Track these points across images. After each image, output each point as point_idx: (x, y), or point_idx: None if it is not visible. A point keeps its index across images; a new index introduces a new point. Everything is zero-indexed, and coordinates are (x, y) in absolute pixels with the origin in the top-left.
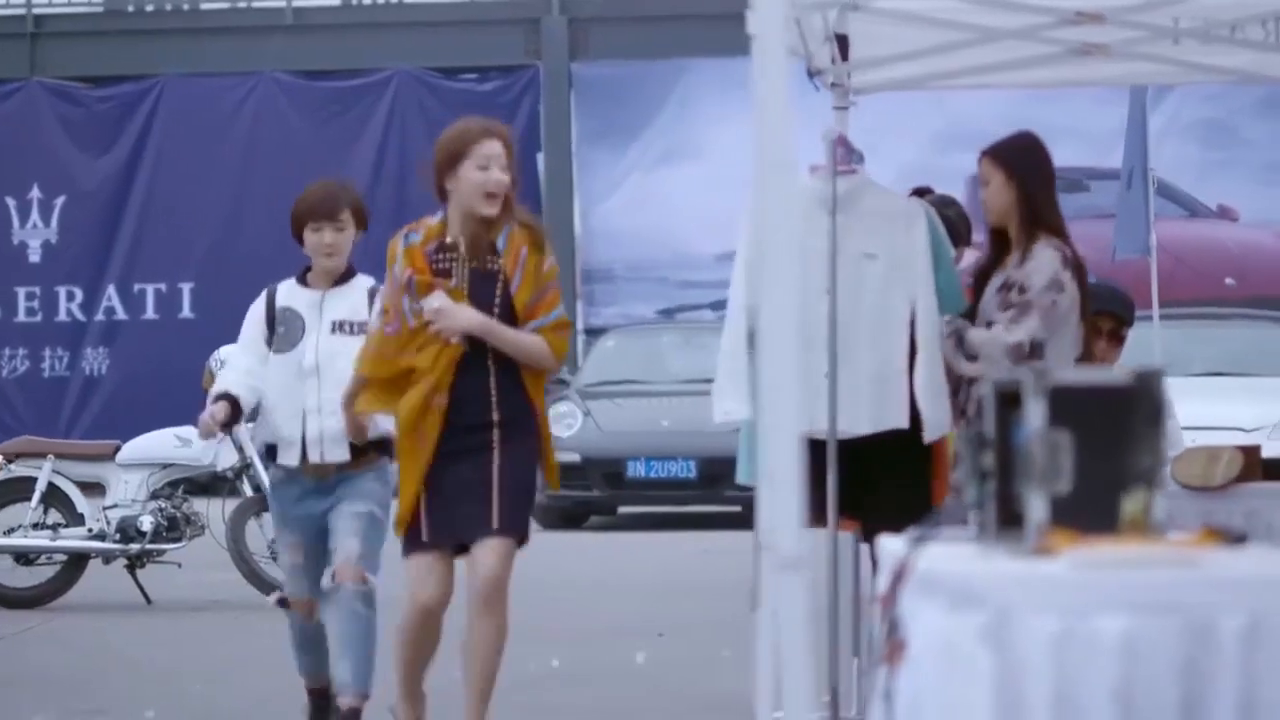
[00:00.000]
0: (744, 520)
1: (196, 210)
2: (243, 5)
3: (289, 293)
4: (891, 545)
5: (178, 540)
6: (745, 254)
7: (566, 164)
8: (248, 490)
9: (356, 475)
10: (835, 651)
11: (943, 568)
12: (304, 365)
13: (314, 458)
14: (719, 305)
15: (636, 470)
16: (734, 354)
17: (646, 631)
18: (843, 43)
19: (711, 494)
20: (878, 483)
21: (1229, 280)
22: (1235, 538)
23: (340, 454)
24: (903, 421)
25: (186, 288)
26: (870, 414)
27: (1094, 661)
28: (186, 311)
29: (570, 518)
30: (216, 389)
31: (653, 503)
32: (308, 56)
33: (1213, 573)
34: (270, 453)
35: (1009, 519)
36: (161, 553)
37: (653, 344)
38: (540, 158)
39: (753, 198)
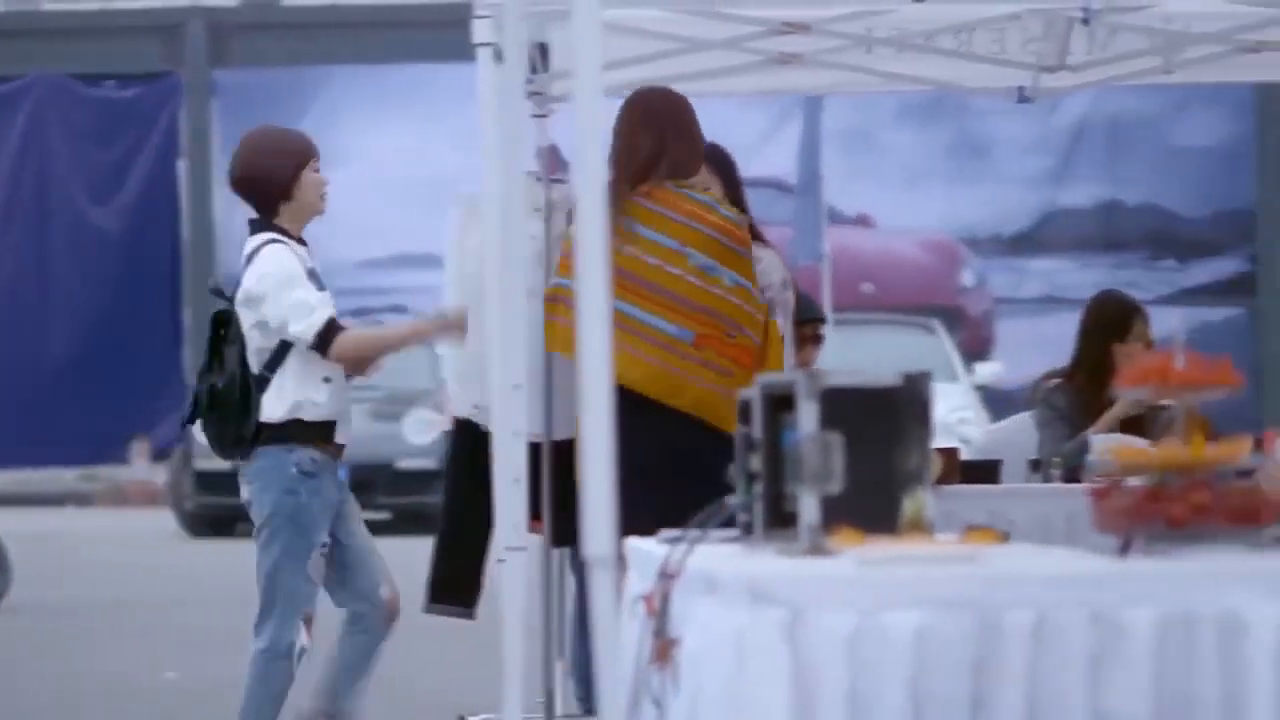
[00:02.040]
0: (393, 527)
1: None
2: None
3: (294, 249)
4: (647, 546)
5: None
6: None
7: (207, 171)
8: None
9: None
10: (550, 654)
11: (727, 567)
12: None
13: (343, 438)
14: (359, 313)
15: None
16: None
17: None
18: (543, 51)
19: (362, 500)
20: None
21: (866, 287)
22: (1003, 536)
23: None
24: None
25: None
26: (574, 417)
27: (887, 657)
28: None
29: (218, 524)
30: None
31: None
32: None
33: (998, 570)
34: (316, 433)
35: (779, 520)
36: None
37: None
38: (181, 165)
39: (497, 202)
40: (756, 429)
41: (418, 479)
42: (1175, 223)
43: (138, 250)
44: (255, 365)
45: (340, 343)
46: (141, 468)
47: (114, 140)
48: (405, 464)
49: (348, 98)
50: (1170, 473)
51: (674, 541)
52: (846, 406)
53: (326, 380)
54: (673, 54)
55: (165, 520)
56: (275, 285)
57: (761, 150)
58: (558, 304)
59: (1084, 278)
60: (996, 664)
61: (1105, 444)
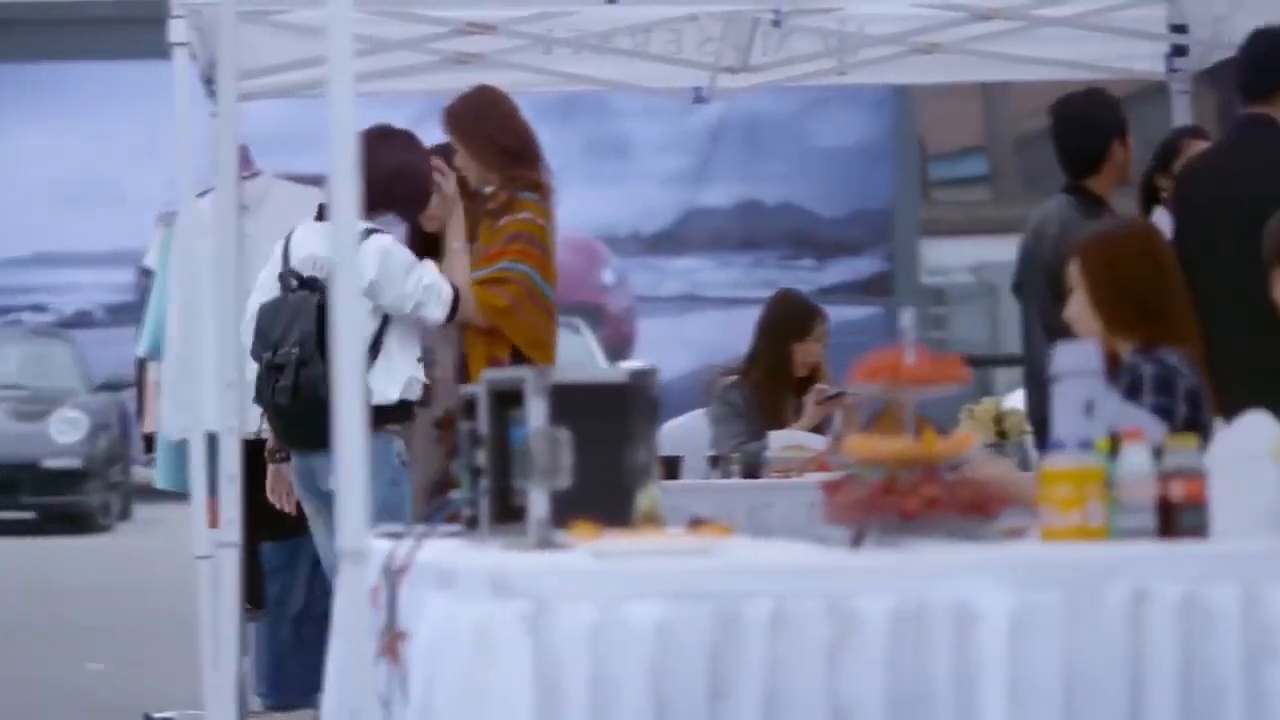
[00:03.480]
0: (39, 527)
1: None
2: None
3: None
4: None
5: None
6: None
7: None
8: None
9: None
10: (240, 650)
11: (464, 560)
12: None
13: None
14: (1, 311)
15: None
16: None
17: None
18: None
19: (7, 500)
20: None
21: None
22: (729, 529)
23: None
24: None
25: None
26: None
27: (629, 647)
28: None
29: None
30: None
31: None
32: None
33: (735, 562)
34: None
35: (506, 515)
36: None
37: None
38: None
39: (214, 206)
40: (482, 424)
41: (63, 478)
42: (813, 222)
43: None
44: None
45: (462, 307)
46: None
47: None
48: (51, 463)
49: None
50: (900, 466)
51: (395, 536)
52: (574, 403)
53: (419, 359)
54: (355, 55)
55: None
56: (401, 271)
57: None
58: (506, 284)
59: (723, 276)
60: (735, 653)
61: (782, 440)
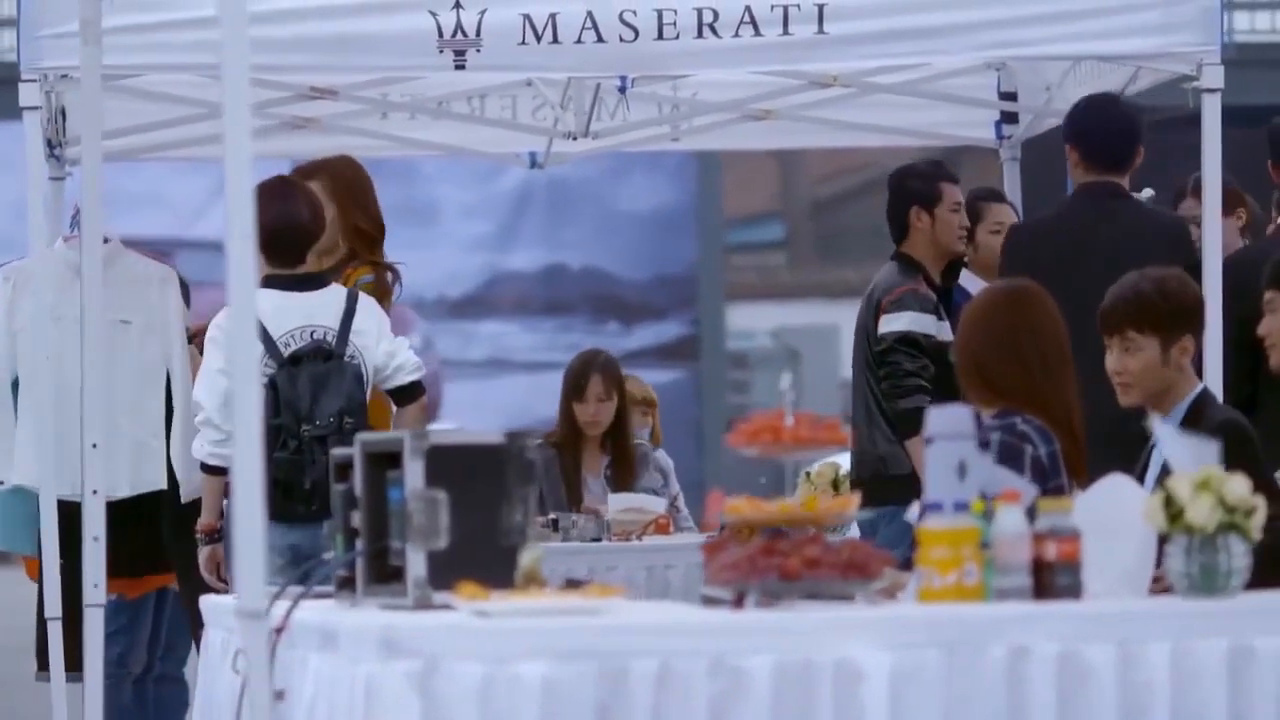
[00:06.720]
0: None
1: None
2: None
3: None
4: (223, 601)
5: None
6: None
7: None
8: None
9: None
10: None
11: (348, 620)
12: None
13: None
14: None
15: None
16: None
17: None
18: (63, 114)
19: None
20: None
21: None
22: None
23: None
24: (161, 483)
25: None
26: (129, 476)
27: (518, 705)
28: None
29: None
30: None
31: None
32: None
33: (622, 621)
34: None
35: (382, 575)
36: None
37: None
38: None
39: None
40: (358, 486)
41: None
42: (618, 286)
43: None
44: None
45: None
46: None
47: None
48: None
49: None
50: (780, 527)
51: (280, 597)
52: (451, 464)
53: None
54: (192, 120)
55: None
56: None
57: (205, 213)
58: None
59: (528, 340)
60: (622, 709)
61: (621, 503)
